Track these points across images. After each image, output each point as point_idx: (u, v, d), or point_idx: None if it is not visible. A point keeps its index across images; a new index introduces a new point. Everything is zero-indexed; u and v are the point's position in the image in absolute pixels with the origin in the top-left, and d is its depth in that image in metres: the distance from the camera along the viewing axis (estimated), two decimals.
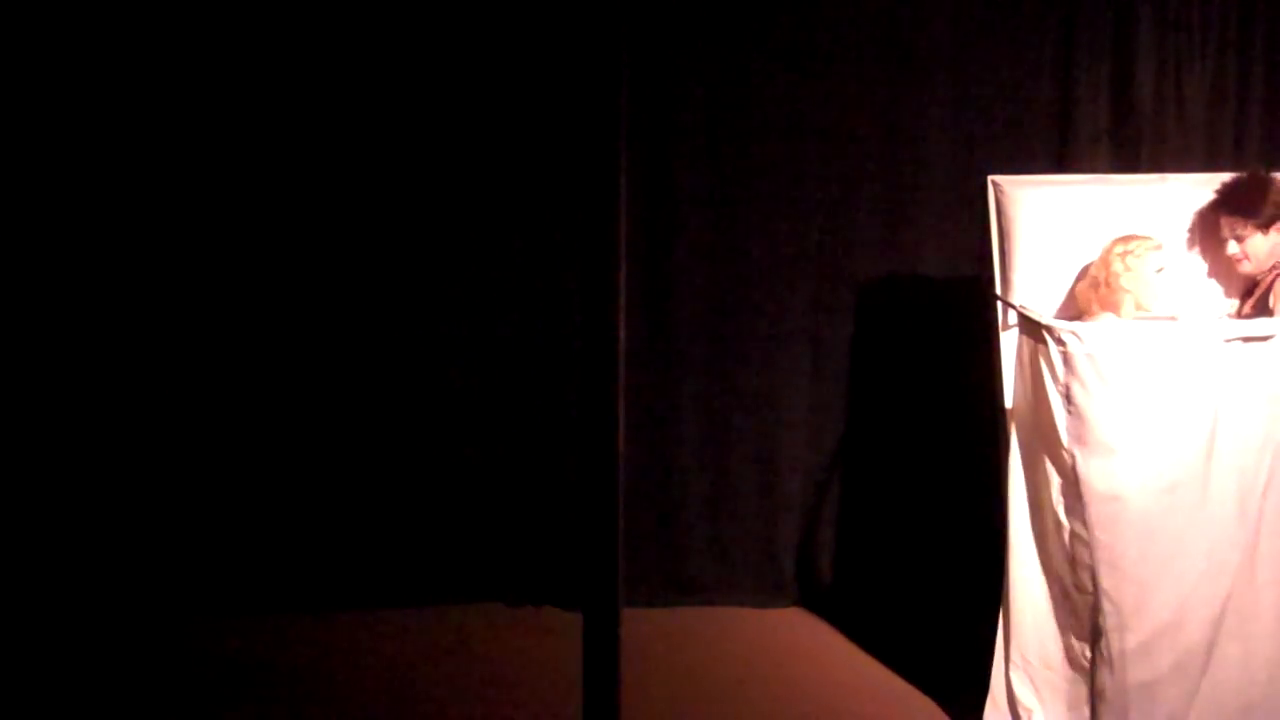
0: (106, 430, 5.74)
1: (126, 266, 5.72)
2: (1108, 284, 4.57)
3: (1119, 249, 4.58)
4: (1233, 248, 4.62)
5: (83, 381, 5.73)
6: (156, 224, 5.71)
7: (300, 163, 5.74)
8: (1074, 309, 4.66)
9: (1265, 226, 4.57)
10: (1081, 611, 4.40)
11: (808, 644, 5.66)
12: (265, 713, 4.91)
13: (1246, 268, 4.63)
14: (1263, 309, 4.58)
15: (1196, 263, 4.76)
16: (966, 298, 5.51)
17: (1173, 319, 4.64)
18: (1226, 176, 4.78)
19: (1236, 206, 4.61)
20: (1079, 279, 4.72)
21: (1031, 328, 4.42)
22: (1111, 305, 4.58)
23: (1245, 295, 4.69)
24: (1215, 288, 4.77)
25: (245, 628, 5.60)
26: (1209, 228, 4.71)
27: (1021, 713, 4.59)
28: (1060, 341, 4.27)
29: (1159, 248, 4.58)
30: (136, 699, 4.99)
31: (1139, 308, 4.56)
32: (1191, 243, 4.75)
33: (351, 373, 5.86)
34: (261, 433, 5.83)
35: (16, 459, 5.65)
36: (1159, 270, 4.58)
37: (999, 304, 4.75)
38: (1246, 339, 4.29)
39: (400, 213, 5.83)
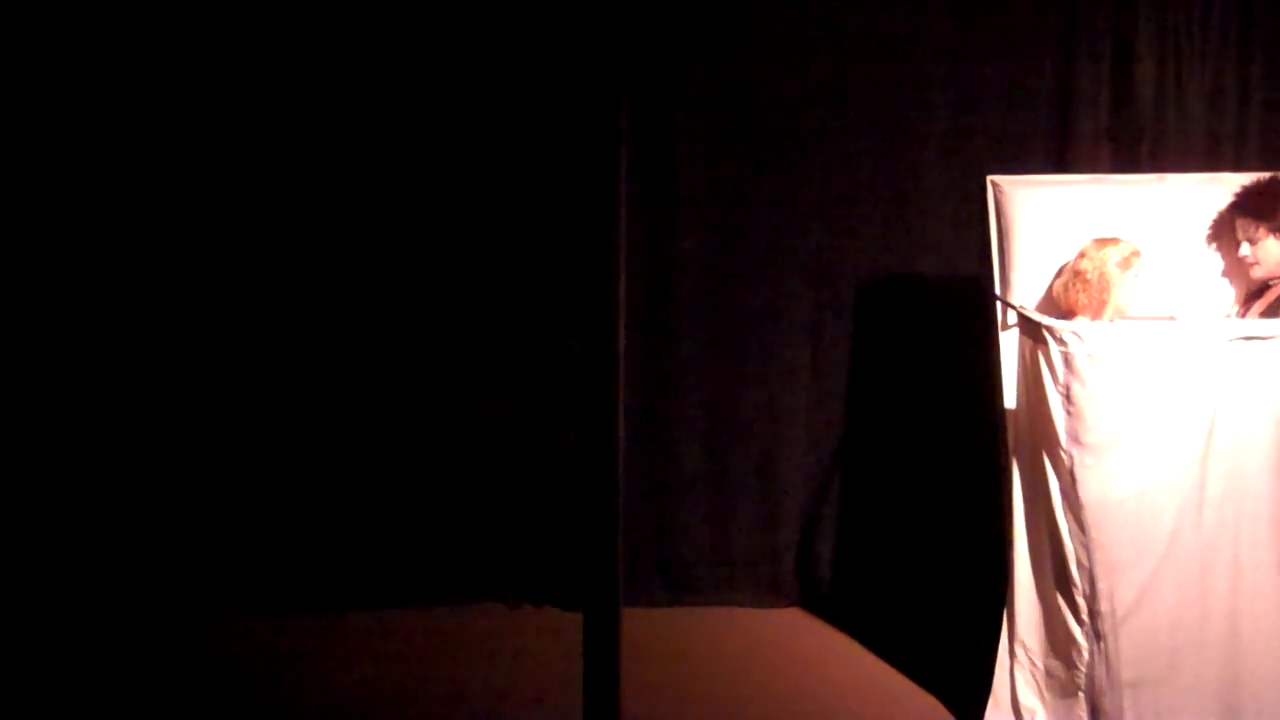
0: (110, 432, 5.75)
1: (130, 269, 5.72)
2: (1087, 282, 4.55)
3: (1112, 251, 4.56)
4: (1245, 249, 4.61)
5: (87, 383, 5.73)
6: (161, 225, 5.72)
7: (302, 166, 5.75)
8: (1053, 308, 4.65)
9: (1279, 231, 4.57)
10: (1081, 612, 4.40)
11: (808, 644, 5.66)
12: (265, 713, 4.91)
13: (1257, 272, 4.62)
14: (1273, 316, 4.56)
15: (1209, 262, 4.75)
16: (966, 298, 5.51)
17: (1172, 319, 4.63)
18: (1226, 176, 4.78)
19: (1252, 208, 4.60)
20: (1056, 277, 4.71)
21: (1032, 328, 4.41)
22: (1092, 307, 4.57)
23: (1249, 299, 4.68)
24: (1227, 289, 4.75)
25: (246, 628, 5.59)
26: (1225, 228, 4.71)
27: (1024, 713, 4.58)
28: (1061, 342, 4.26)
29: (1138, 253, 4.58)
30: (137, 699, 4.99)
31: (1119, 311, 4.56)
32: (1209, 241, 4.74)
33: (352, 374, 5.86)
34: (262, 434, 5.83)
35: (20, 460, 5.65)
36: (1137, 275, 4.58)
37: (998, 304, 4.74)
38: (1248, 338, 4.29)
39: (405, 216, 5.83)
